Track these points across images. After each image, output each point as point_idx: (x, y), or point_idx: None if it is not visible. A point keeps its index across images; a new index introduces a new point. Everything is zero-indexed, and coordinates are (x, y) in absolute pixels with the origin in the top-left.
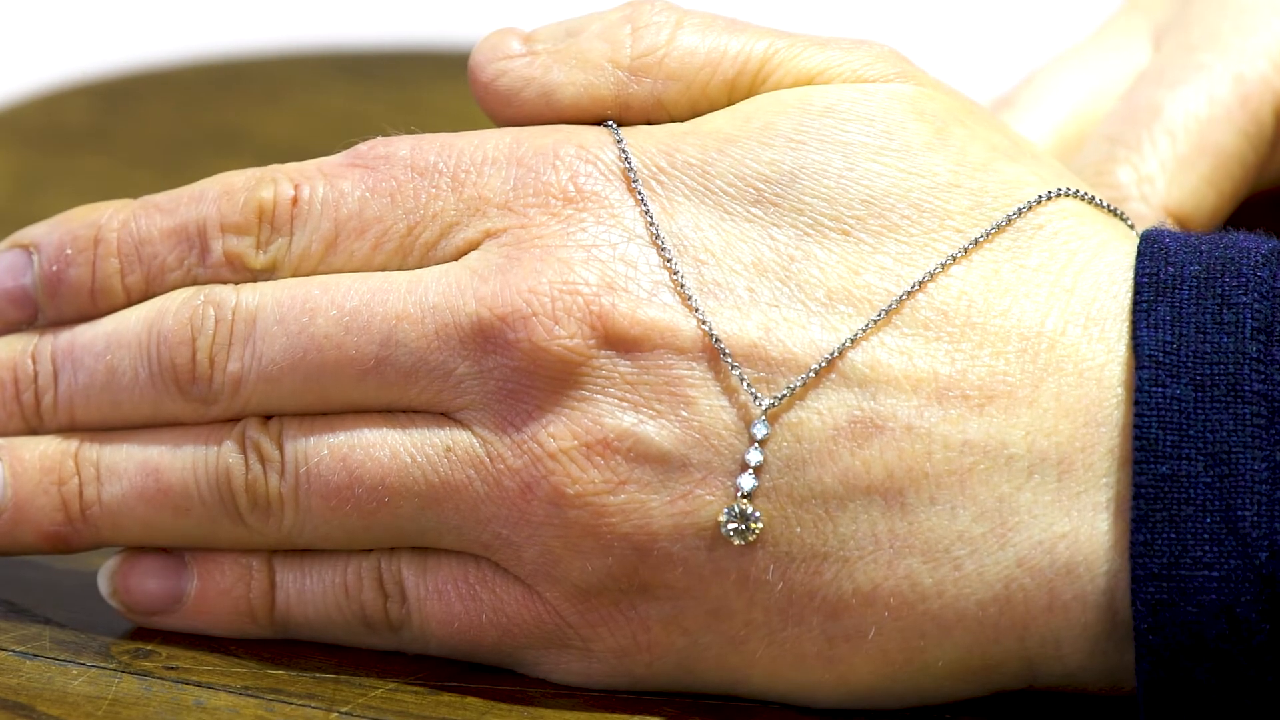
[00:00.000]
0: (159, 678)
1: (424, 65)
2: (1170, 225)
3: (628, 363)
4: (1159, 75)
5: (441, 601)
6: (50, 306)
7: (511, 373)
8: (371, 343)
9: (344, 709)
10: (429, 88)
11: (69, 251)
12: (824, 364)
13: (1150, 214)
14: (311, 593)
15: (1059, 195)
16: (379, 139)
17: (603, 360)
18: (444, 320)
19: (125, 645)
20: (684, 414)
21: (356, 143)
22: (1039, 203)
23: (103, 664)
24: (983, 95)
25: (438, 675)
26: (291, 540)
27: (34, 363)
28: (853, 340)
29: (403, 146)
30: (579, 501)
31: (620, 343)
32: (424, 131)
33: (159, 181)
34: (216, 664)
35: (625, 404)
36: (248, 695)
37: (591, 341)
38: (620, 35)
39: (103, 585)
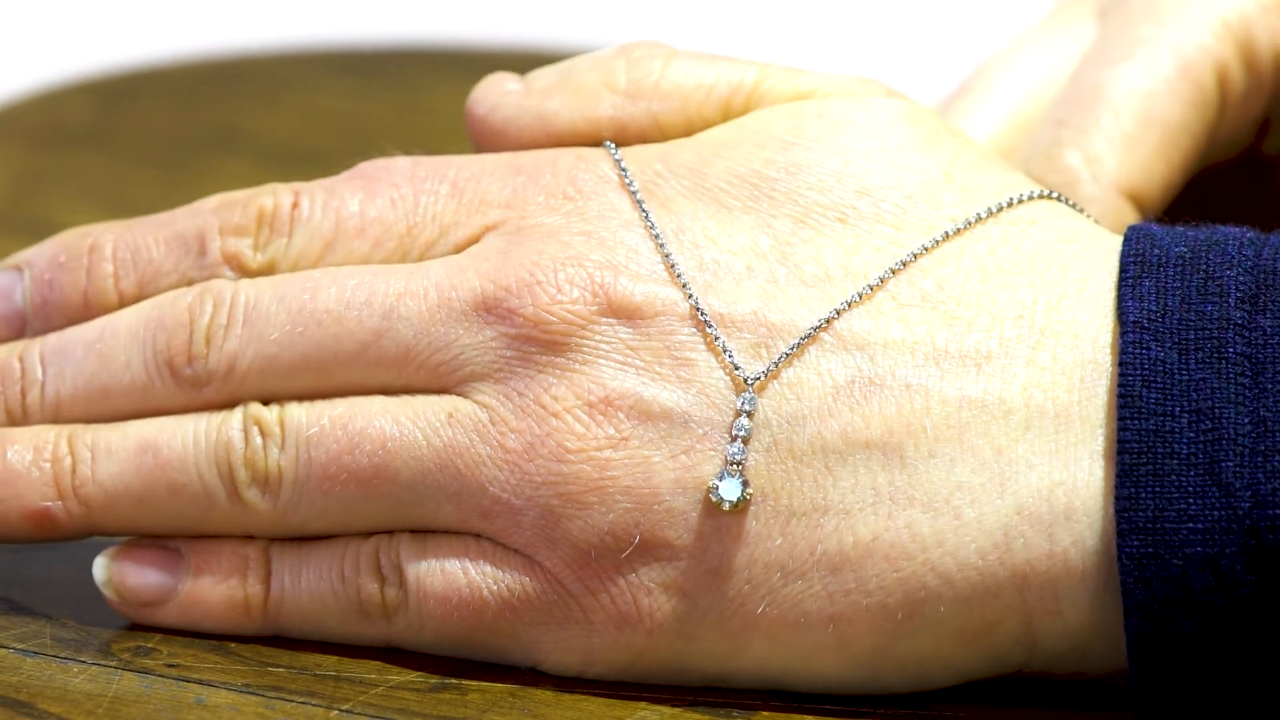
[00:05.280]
0: (160, 675)
1: (424, 65)
2: (1123, 202)
3: (629, 329)
4: (1101, 53)
5: (442, 576)
6: (40, 316)
7: (513, 340)
8: (373, 316)
9: (344, 706)
10: (429, 87)
11: (63, 259)
12: (821, 324)
13: (1102, 194)
14: (307, 580)
15: (1050, 197)
16: (379, 158)
17: (604, 326)
18: (446, 295)
19: (126, 643)
20: (684, 374)
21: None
22: (1031, 199)
23: (103, 661)
24: (941, 90)
25: (438, 673)
26: (287, 519)
27: (20, 362)
28: (849, 305)
29: (402, 161)
30: (582, 456)
31: (621, 311)
32: (424, 133)
33: (159, 180)
34: (217, 662)
35: (627, 367)
36: (248, 693)
37: (594, 307)
38: (615, 66)
39: (98, 573)
